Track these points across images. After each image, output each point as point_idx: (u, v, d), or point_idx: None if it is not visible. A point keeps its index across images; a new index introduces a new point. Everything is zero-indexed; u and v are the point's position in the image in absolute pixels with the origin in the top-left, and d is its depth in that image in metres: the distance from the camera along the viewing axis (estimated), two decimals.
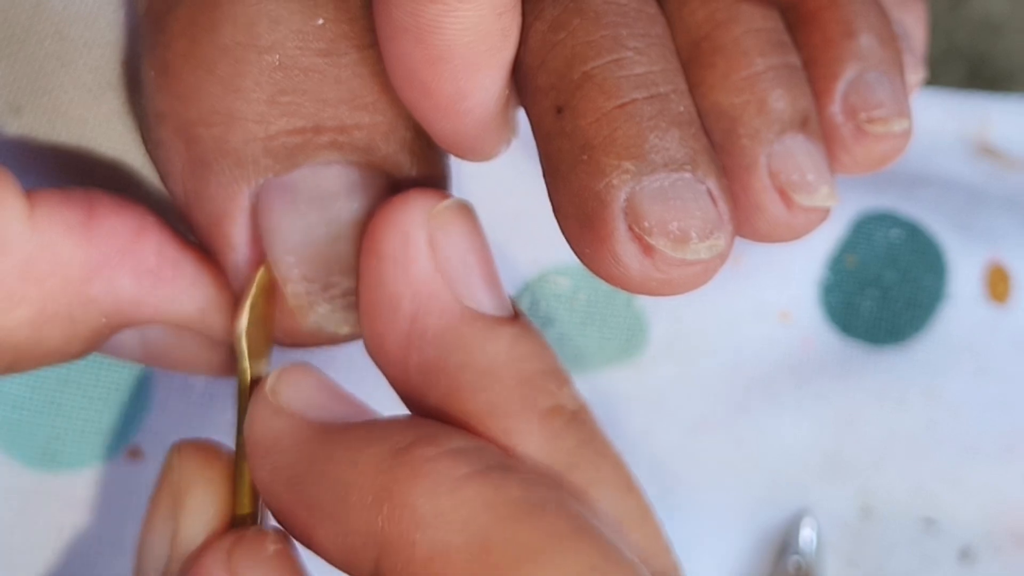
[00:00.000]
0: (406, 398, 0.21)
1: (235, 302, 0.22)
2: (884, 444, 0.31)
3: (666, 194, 0.19)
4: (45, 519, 0.26)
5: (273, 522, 0.21)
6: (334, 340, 0.22)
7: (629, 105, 0.19)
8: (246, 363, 0.21)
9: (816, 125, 0.21)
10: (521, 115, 0.22)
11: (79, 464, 0.26)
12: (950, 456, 0.31)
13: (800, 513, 0.31)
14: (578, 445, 0.20)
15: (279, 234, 0.21)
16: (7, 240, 0.20)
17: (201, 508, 0.22)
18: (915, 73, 0.25)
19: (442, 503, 0.18)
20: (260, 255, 0.21)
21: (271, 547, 0.20)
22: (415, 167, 0.22)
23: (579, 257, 0.20)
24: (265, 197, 0.21)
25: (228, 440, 0.27)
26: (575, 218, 0.20)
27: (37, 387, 0.26)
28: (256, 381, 0.22)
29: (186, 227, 0.22)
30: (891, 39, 0.22)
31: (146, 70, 0.22)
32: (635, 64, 0.20)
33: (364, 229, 0.21)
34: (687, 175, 0.19)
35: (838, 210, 0.31)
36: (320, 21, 0.21)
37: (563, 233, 0.20)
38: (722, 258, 0.20)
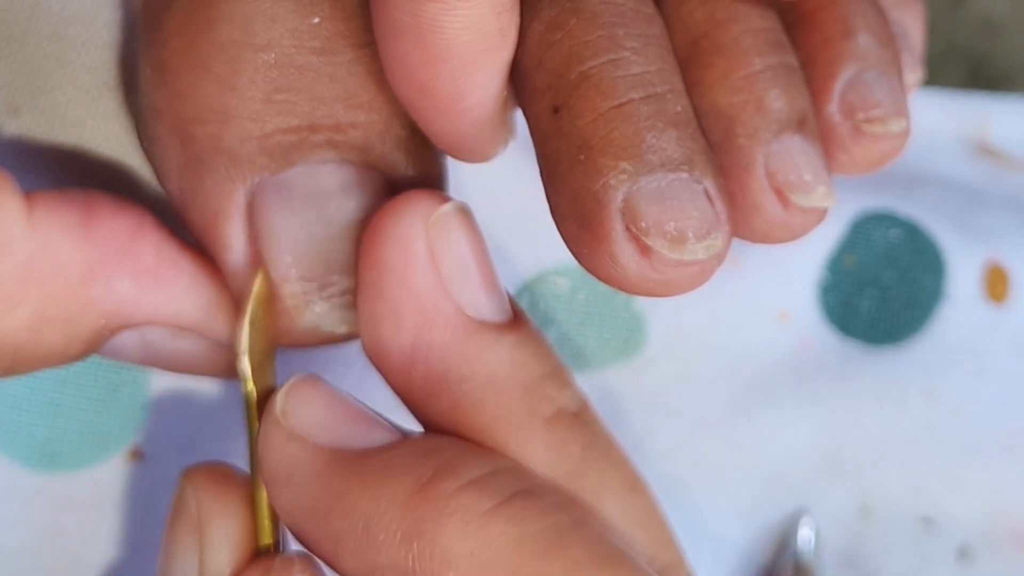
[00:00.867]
0: (412, 408, 0.21)
1: (234, 303, 0.22)
2: (883, 444, 0.31)
3: (663, 194, 0.19)
4: (44, 520, 0.26)
5: (296, 544, 0.21)
6: (332, 340, 0.22)
7: (626, 105, 0.19)
8: (251, 385, 0.21)
9: (814, 125, 0.21)
10: (518, 115, 0.22)
11: (78, 465, 0.26)
12: (949, 456, 0.31)
13: (799, 513, 0.31)
14: (582, 450, 0.21)
15: (275, 233, 0.21)
16: (6, 241, 0.20)
17: (224, 539, 0.21)
18: (913, 73, 0.25)
19: (471, 543, 0.19)
20: (256, 254, 0.21)
21: None
22: (411, 166, 0.22)
23: (576, 258, 0.20)
24: (261, 196, 0.21)
25: (232, 443, 0.27)
26: (572, 218, 0.20)
27: (36, 388, 0.26)
28: (264, 395, 0.21)
29: (183, 227, 0.22)
30: (889, 39, 0.22)
31: (142, 68, 0.22)
32: (632, 64, 0.20)
33: (361, 229, 0.21)
34: (684, 175, 0.19)
35: (837, 210, 0.31)
36: (316, 19, 0.21)
37: (560, 234, 0.20)
38: (719, 259, 0.20)
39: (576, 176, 0.19)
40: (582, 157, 0.19)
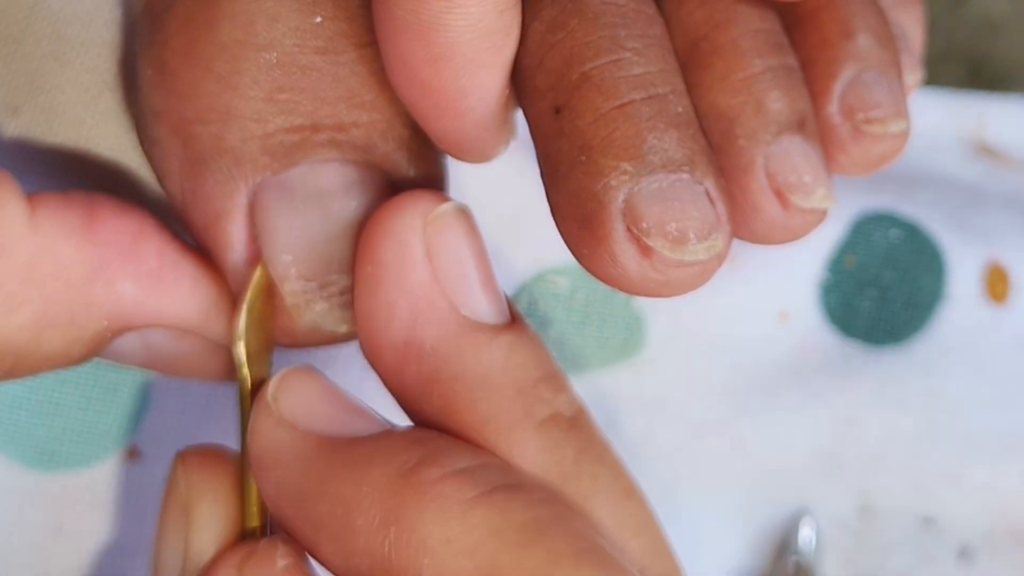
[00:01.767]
0: (405, 407, 0.21)
1: (234, 303, 0.22)
2: (883, 444, 0.31)
3: (664, 195, 0.19)
4: (43, 519, 0.26)
5: None
6: (332, 340, 0.22)
7: (627, 106, 0.19)
8: (245, 371, 0.21)
9: (813, 127, 0.21)
10: (519, 116, 0.22)
11: (78, 464, 0.26)
12: (949, 456, 0.31)
13: (799, 512, 0.31)
14: (576, 454, 0.20)
15: (276, 233, 0.21)
16: (8, 243, 0.20)
17: (210, 520, 0.21)
18: (913, 73, 0.25)
19: (450, 529, 0.18)
20: (257, 254, 0.21)
21: (281, 562, 0.20)
22: (413, 166, 0.22)
23: (577, 258, 0.20)
24: (262, 195, 0.21)
25: (230, 442, 0.27)
26: (573, 219, 0.20)
27: (36, 387, 0.26)
28: (258, 386, 0.21)
29: (183, 228, 0.22)
30: (889, 39, 0.22)
31: (143, 68, 0.22)
32: (633, 65, 0.20)
33: (360, 230, 0.21)
34: (685, 176, 0.19)
35: (837, 210, 0.31)
36: (318, 19, 0.21)
37: (561, 234, 0.20)
38: (720, 259, 0.20)
39: (577, 176, 0.19)
40: (583, 158, 0.19)
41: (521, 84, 0.20)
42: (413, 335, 0.20)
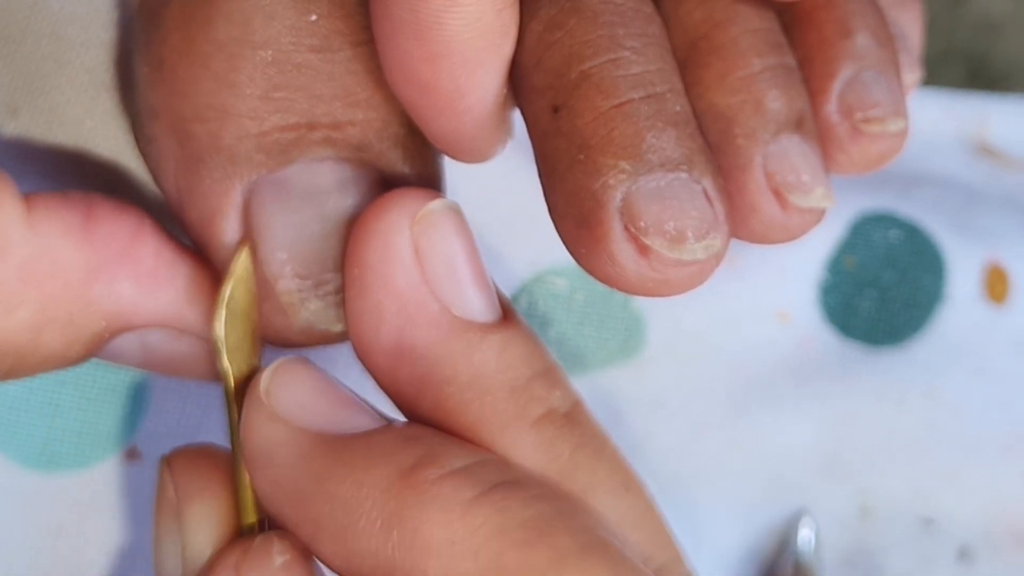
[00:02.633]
0: (400, 408, 0.21)
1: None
2: (883, 444, 0.31)
3: (662, 194, 0.19)
4: (42, 520, 0.26)
5: None
6: (327, 339, 0.22)
7: (626, 105, 0.19)
8: (226, 363, 0.21)
9: (812, 126, 0.21)
10: (516, 115, 0.22)
11: (77, 465, 0.26)
12: (949, 456, 0.31)
13: (799, 513, 0.31)
14: (573, 450, 0.20)
15: (270, 231, 0.21)
16: (6, 242, 0.20)
17: (203, 521, 0.21)
18: (912, 72, 0.25)
19: (453, 531, 0.19)
20: (242, 243, 0.21)
21: (279, 559, 0.20)
22: (408, 164, 0.22)
23: (575, 258, 0.20)
24: (257, 194, 0.21)
25: (225, 442, 0.27)
26: (571, 218, 0.20)
27: (35, 388, 0.26)
28: (247, 378, 0.21)
29: (178, 227, 0.22)
30: (887, 39, 0.22)
31: (140, 66, 0.22)
32: (632, 64, 0.20)
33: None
34: (683, 175, 0.19)
35: (837, 211, 0.31)
36: (314, 17, 0.21)
37: (559, 233, 0.20)
38: (718, 258, 0.20)
39: (575, 175, 0.19)
40: (581, 156, 0.19)
41: (519, 83, 0.20)
42: (403, 338, 0.20)
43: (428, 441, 0.20)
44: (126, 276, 0.21)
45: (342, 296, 0.21)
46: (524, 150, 0.21)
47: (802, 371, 0.30)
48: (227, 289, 0.21)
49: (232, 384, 0.21)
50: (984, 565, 0.31)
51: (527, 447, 0.20)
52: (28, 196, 0.20)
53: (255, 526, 0.21)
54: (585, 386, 0.29)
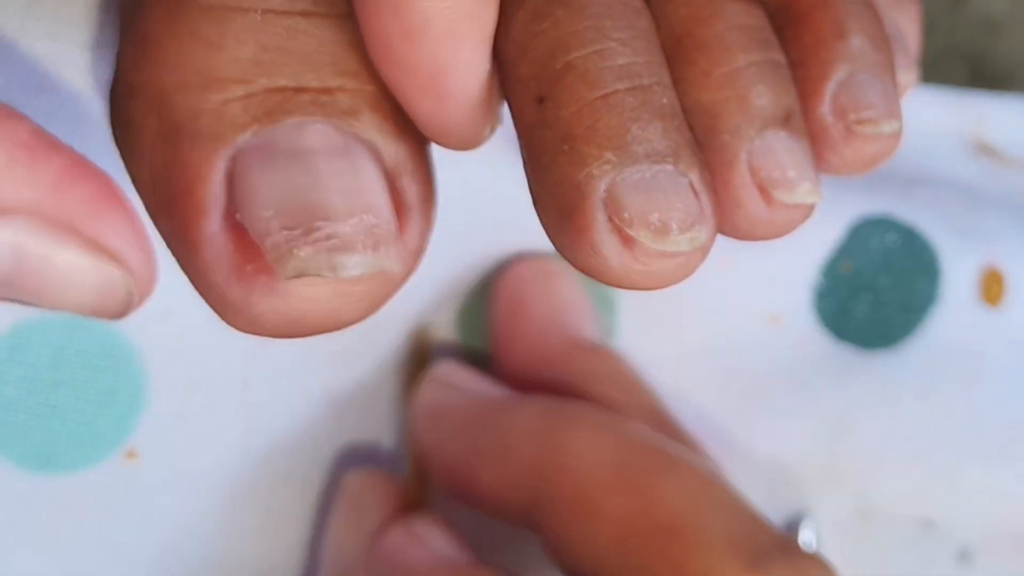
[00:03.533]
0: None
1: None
2: (881, 446, 0.31)
3: (647, 185, 0.19)
4: (41, 522, 0.26)
5: None
6: (326, 324, 0.20)
7: (611, 96, 0.19)
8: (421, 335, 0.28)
9: (800, 122, 0.21)
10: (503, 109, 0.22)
11: (75, 467, 0.26)
12: (947, 457, 0.31)
13: (799, 515, 0.31)
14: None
15: (256, 192, 0.20)
16: None
17: (376, 505, 0.27)
18: (908, 73, 0.24)
19: (589, 439, 0.24)
20: (233, 221, 0.20)
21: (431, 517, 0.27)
22: (402, 140, 0.21)
23: (558, 249, 0.20)
24: (242, 160, 0.20)
25: (228, 442, 0.27)
26: (555, 209, 0.20)
27: (32, 389, 0.26)
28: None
29: (152, 223, 0.21)
30: (883, 40, 0.22)
31: (122, 49, 0.21)
32: (618, 55, 0.20)
33: (349, 191, 0.20)
34: (669, 167, 0.19)
35: (836, 214, 0.31)
36: None
37: (542, 224, 0.20)
38: (703, 251, 0.20)
39: (559, 166, 0.19)
40: (566, 147, 0.19)
41: (505, 74, 0.20)
42: (545, 352, 0.27)
43: (570, 399, 0.26)
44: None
45: (335, 242, 0.19)
46: (508, 142, 0.21)
47: (797, 374, 0.30)
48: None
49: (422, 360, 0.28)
50: (984, 568, 0.31)
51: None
52: None
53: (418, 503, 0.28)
54: None
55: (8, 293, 0.20)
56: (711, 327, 0.30)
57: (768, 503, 0.30)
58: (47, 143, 0.19)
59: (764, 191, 0.20)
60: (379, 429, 0.29)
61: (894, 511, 0.31)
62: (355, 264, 0.19)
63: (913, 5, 0.27)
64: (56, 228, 0.19)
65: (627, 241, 0.19)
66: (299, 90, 0.20)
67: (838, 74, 0.21)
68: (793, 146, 0.21)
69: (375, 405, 0.28)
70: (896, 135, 0.21)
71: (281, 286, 0.20)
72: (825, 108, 0.21)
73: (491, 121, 0.21)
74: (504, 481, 0.24)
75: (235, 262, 0.20)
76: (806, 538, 0.30)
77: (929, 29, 0.29)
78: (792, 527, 0.30)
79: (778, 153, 0.20)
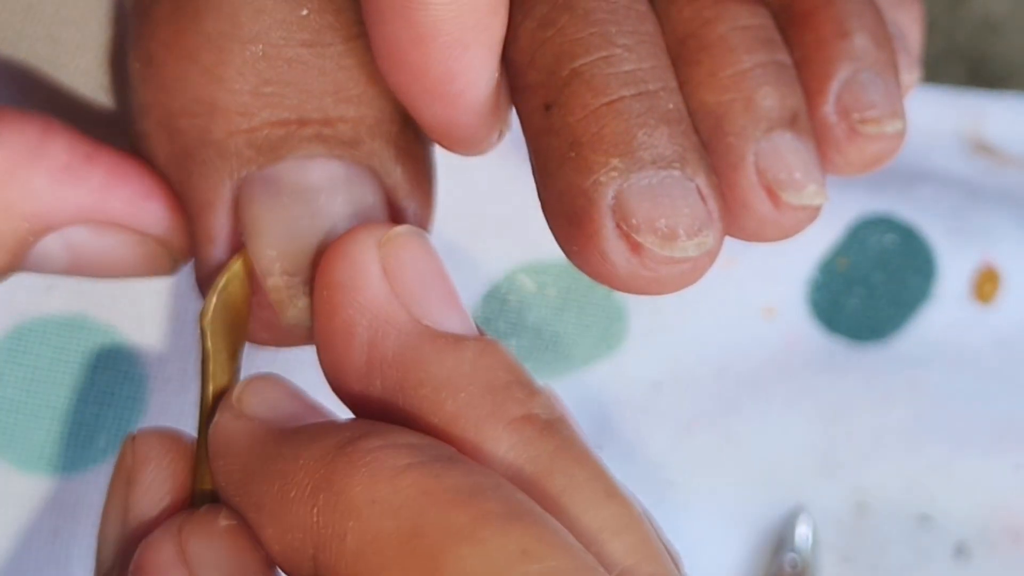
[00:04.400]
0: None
1: (164, 194, 0.22)
2: (874, 439, 0.31)
3: (654, 191, 0.19)
4: (40, 523, 0.26)
5: None
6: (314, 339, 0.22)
7: (617, 102, 0.19)
8: (209, 344, 0.21)
9: (805, 123, 0.21)
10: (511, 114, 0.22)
11: (75, 467, 0.26)
12: (940, 449, 0.31)
13: (796, 510, 0.31)
14: (552, 452, 0.19)
15: (260, 227, 0.21)
16: None
17: (153, 486, 0.21)
18: (910, 73, 0.24)
19: (377, 491, 0.17)
20: (240, 248, 0.21)
21: (223, 522, 0.19)
22: (400, 163, 0.22)
23: (567, 255, 0.20)
24: (247, 190, 0.21)
25: None
26: (563, 215, 0.20)
27: (32, 391, 0.26)
28: (229, 368, 0.21)
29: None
30: (886, 39, 0.22)
31: (132, 63, 0.22)
32: (624, 61, 0.20)
33: (349, 226, 0.21)
34: (676, 172, 0.19)
35: (836, 213, 0.31)
36: (305, 11, 0.21)
37: (551, 231, 0.20)
38: (711, 256, 0.20)
39: (567, 173, 0.19)
40: (573, 154, 0.19)
41: (513, 81, 0.20)
42: (374, 351, 0.20)
43: (380, 424, 0.19)
44: (40, 173, 0.20)
45: None
46: (518, 148, 0.21)
47: (790, 367, 0.30)
48: (222, 280, 0.21)
49: (211, 366, 0.21)
50: (980, 561, 0.31)
51: (503, 444, 0.19)
52: None
53: (207, 495, 0.21)
54: (572, 388, 0.29)
55: (70, 274, 0.22)
56: (706, 320, 0.30)
57: (764, 497, 0.30)
58: (84, 156, 0.21)
59: (771, 192, 0.20)
60: None
61: (890, 505, 0.31)
62: None
63: (915, 5, 0.27)
64: (103, 226, 0.21)
65: (635, 247, 0.19)
66: (301, 122, 0.21)
67: (841, 73, 0.21)
68: (799, 147, 0.21)
69: None
70: (900, 135, 0.21)
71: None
72: (829, 108, 0.21)
73: (499, 127, 0.21)
74: (283, 544, 0.18)
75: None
76: (803, 533, 0.30)
77: (929, 29, 0.29)
78: (788, 522, 0.30)
79: (785, 154, 0.20)
